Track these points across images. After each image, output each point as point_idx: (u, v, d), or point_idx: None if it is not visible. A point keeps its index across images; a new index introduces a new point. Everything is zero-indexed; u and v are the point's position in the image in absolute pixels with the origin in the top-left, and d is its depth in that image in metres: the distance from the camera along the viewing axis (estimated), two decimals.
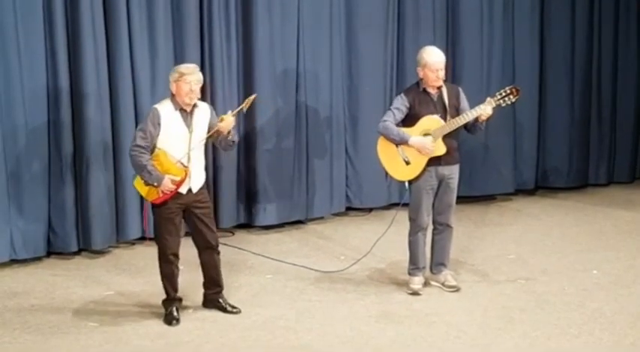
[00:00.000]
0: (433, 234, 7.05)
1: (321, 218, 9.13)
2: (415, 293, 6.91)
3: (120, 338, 6.06)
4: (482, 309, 6.55)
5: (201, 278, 6.57)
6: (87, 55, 7.65)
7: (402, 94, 6.85)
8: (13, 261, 7.64)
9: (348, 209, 9.38)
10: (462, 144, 9.48)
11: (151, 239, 6.46)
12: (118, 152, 7.95)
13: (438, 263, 7.07)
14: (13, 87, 7.45)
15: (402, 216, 7.20)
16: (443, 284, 7.02)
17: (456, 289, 6.98)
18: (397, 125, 6.79)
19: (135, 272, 7.50)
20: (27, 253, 7.67)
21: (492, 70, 9.71)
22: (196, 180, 6.29)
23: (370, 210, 9.38)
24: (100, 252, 7.96)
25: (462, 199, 9.63)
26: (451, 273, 7.10)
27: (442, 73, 6.74)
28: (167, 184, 6.08)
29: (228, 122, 6.27)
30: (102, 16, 7.74)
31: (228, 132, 6.31)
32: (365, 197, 9.33)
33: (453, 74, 9.50)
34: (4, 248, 7.54)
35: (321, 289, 7.04)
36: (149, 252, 7.90)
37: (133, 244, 8.23)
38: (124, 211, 8.05)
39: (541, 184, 10.31)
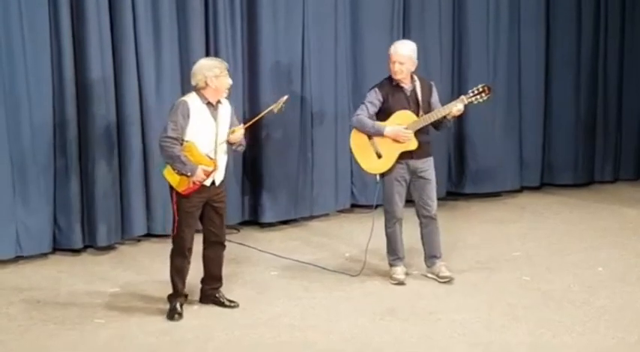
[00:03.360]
0: (420, 228, 7.13)
1: (326, 215, 9.13)
2: (400, 283, 7.00)
3: (125, 335, 6.07)
4: (486, 307, 6.55)
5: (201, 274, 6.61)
6: (92, 49, 7.65)
7: (376, 88, 6.94)
8: (19, 258, 7.65)
9: (353, 206, 9.37)
10: (467, 141, 9.61)
11: (163, 235, 6.48)
12: (123, 148, 7.96)
13: (430, 256, 7.14)
14: (17, 82, 7.45)
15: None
16: (437, 275, 7.08)
17: (449, 280, 7.05)
18: (371, 119, 6.89)
19: (140, 268, 7.51)
20: (32, 249, 7.67)
21: (498, 67, 9.69)
22: (220, 173, 6.39)
23: (376, 206, 9.35)
24: (105, 249, 7.96)
25: (467, 196, 9.72)
26: (445, 264, 7.15)
27: (400, 67, 6.79)
28: (200, 174, 6.17)
29: (238, 135, 6.42)
30: (107, 11, 7.74)
31: (234, 143, 6.45)
32: (370, 194, 9.30)
33: (458, 71, 9.52)
34: (10, 244, 7.55)
35: (325, 286, 7.04)
36: (154, 249, 7.92)
37: (139, 241, 8.24)
38: (129, 207, 8.05)
39: (547, 181, 10.29)
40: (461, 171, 9.76)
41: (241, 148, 6.60)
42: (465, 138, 9.60)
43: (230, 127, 6.42)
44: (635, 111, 10.47)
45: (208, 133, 6.27)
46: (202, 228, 6.50)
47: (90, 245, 7.95)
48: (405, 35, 9.25)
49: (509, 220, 9.02)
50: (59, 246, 7.86)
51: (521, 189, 10.08)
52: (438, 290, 6.92)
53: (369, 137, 6.89)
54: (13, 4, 7.37)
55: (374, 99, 6.88)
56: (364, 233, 8.42)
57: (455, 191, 9.69)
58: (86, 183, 7.84)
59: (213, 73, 6.24)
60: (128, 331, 6.14)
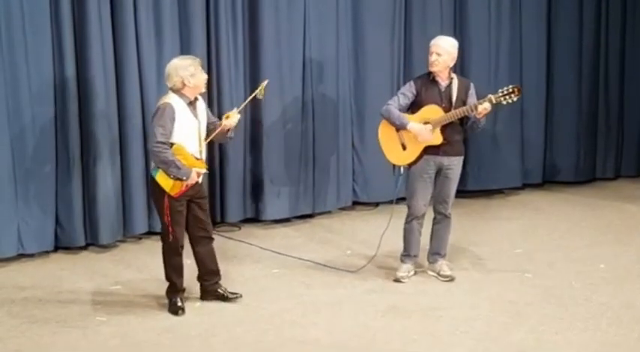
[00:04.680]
0: (432, 224, 7.12)
1: (328, 212, 9.13)
2: (398, 280, 7.00)
3: (126, 333, 6.07)
4: (488, 303, 6.55)
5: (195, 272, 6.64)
6: (94, 47, 7.64)
7: (412, 81, 6.98)
8: (21, 256, 7.65)
9: (355, 203, 9.37)
10: (469, 139, 9.56)
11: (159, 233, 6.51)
12: (124, 146, 7.96)
13: (433, 252, 7.14)
14: (20, 82, 7.44)
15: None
16: (438, 273, 7.09)
17: (450, 279, 7.03)
18: (403, 111, 6.88)
19: (142, 266, 7.51)
20: (34, 248, 7.68)
21: (500, 63, 9.69)
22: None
23: (377, 204, 9.37)
24: (107, 247, 7.97)
25: (470, 193, 9.71)
26: (447, 263, 7.15)
27: (437, 58, 6.76)
28: (194, 177, 6.20)
29: (234, 119, 6.42)
30: (109, 11, 7.73)
31: (228, 129, 6.44)
32: (372, 191, 9.32)
33: (460, 67, 9.50)
34: (12, 242, 7.55)
35: (327, 283, 7.05)
36: (156, 247, 7.89)
37: (140, 239, 8.24)
38: (131, 206, 8.06)
39: (549, 178, 10.30)
40: (463, 168, 9.68)
41: (232, 135, 6.54)
42: (467, 136, 9.58)
43: (208, 122, 6.42)
44: (637, 107, 10.47)
45: (193, 133, 6.26)
46: (188, 227, 6.47)
47: (92, 243, 7.96)
48: (407, 32, 9.27)
49: (511, 217, 9.02)
50: (61, 245, 7.86)
51: (523, 187, 10.08)
52: (440, 288, 6.92)
53: (396, 128, 6.90)
54: (15, 8, 7.36)
55: (407, 90, 6.89)
56: (366, 230, 8.47)
57: (457, 188, 9.66)
58: (88, 181, 7.84)
59: (188, 72, 6.20)
60: (130, 329, 6.14)
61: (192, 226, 6.47)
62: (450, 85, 6.85)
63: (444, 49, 6.78)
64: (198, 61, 6.31)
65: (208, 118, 6.48)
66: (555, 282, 7.00)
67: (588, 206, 9.42)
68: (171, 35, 8.06)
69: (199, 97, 6.39)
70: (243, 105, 6.71)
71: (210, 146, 6.64)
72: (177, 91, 6.24)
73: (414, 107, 6.89)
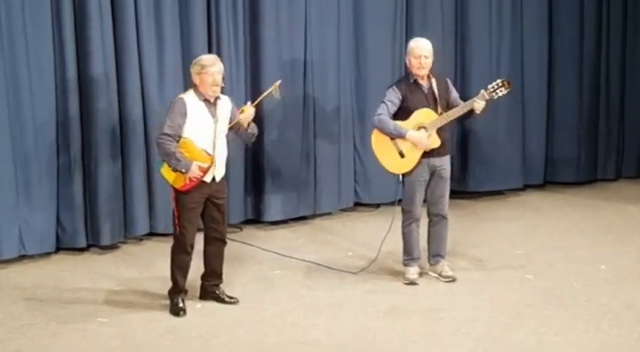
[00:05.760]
0: (429, 226, 7.12)
1: (329, 213, 9.13)
2: (412, 282, 6.98)
3: (127, 334, 6.08)
4: (489, 304, 6.55)
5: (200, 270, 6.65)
6: (94, 47, 7.65)
7: (394, 87, 6.92)
8: (22, 257, 7.65)
9: (356, 204, 9.37)
10: (470, 140, 9.61)
11: (165, 234, 6.51)
12: (125, 147, 7.97)
13: (434, 254, 7.14)
14: (20, 81, 7.45)
15: None
16: (440, 274, 7.09)
17: (452, 279, 7.04)
18: (391, 118, 6.85)
19: (143, 267, 7.51)
20: (36, 249, 7.68)
21: (501, 65, 9.68)
22: (220, 169, 6.41)
23: (378, 205, 9.36)
24: (109, 248, 7.97)
25: (470, 194, 9.71)
26: (448, 264, 7.15)
27: (426, 61, 6.78)
28: (195, 170, 6.20)
29: (249, 114, 6.46)
30: (109, 7, 7.74)
31: (248, 124, 6.47)
32: (373, 192, 9.32)
33: (462, 69, 9.52)
34: (13, 244, 7.55)
35: (328, 285, 7.05)
36: (157, 247, 7.93)
37: (141, 240, 8.24)
38: (132, 206, 8.06)
39: (549, 179, 10.29)
40: (464, 169, 9.75)
41: (254, 131, 6.54)
42: (467, 137, 9.60)
43: (230, 122, 6.44)
44: (638, 109, 10.45)
45: (206, 130, 6.28)
46: (203, 225, 6.52)
47: (93, 244, 7.96)
48: (408, 32, 9.25)
49: (512, 218, 9.01)
50: (63, 246, 7.86)
51: (524, 187, 10.07)
52: (441, 289, 6.92)
53: (393, 137, 6.87)
54: (16, 6, 7.37)
55: (394, 97, 6.84)
56: (367, 232, 8.46)
57: (458, 189, 9.67)
58: (89, 182, 7.85)
59: (194, 70, 6.29)
60: (131, 330, 6.14)
61: (207, 225, 6.52)
62: (430, 86, 6.86)
63: (430, 51, 6.82)
64: (211, 62, 6.28)
65: (232, 119, 6.45)
66: (556, 283, 7.00)
67: (589, 207, 9.41)
68: (172, 33, 8.06)
69: (224, 98, 6.41)
70: (258, 101, 6.71)
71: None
72: (194, 87, 6.31)
73: (400, 112, 6.85)
